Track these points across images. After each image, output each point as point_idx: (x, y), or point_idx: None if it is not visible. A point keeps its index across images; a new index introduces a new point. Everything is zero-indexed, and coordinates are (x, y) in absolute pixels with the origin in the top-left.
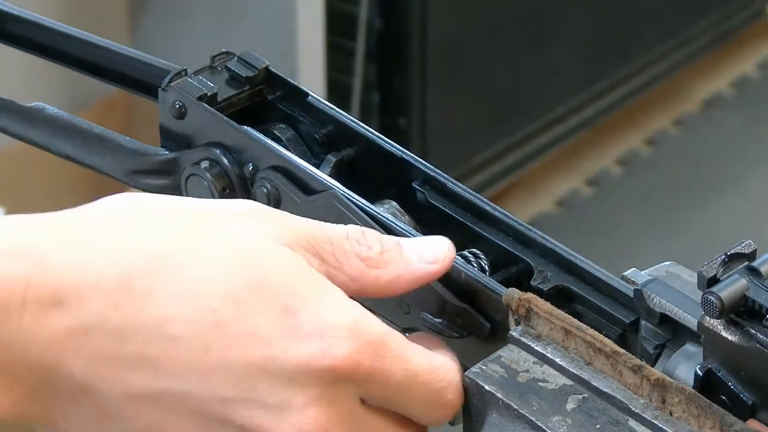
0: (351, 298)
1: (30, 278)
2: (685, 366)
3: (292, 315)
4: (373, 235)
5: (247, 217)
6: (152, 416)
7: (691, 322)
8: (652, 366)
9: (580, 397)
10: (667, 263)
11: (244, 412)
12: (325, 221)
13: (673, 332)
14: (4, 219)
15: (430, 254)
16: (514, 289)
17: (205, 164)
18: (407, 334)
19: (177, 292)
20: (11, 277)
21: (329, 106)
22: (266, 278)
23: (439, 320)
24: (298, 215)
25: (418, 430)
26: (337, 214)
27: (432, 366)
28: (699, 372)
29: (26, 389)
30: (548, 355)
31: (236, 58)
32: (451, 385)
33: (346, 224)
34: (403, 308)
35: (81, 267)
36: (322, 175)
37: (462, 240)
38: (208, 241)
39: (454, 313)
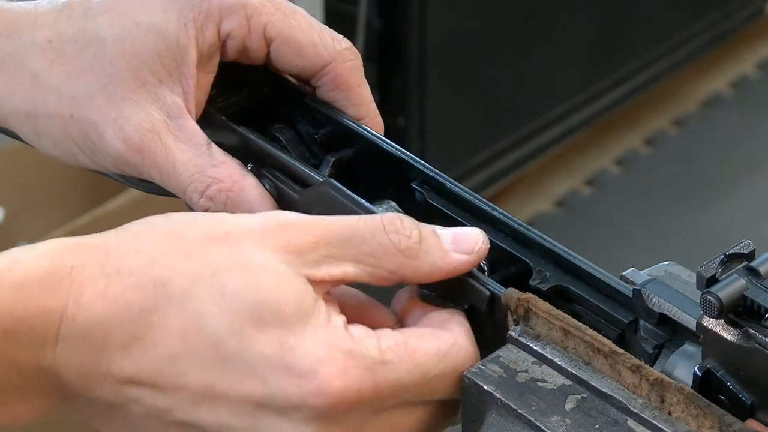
0: (397, 284)
1: (65, 312)
2: (683, 366)
3: (288, 352)
4: (410, 222)
5: (272, 236)
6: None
7: (690, 322)
8: (651, 366)
9: (579, 396)
10: (666, 263)
11: None
12: (324, 213)
13: (672, 332)
14: (47, 243)
15: (466, 245)
16: (513, 289)
17: None
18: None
19: (188, 327)
20: (48, 310)
21: (328, 107)
22: (269, 309)
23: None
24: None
25: (443, 406)
26: (333, 203)
27: (440, 353)
28: (698, 372)
29: (62, 400)
30: (547, 355)
31: None
32: (467, 360)
33: (342, 214)
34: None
35: (108, 304)
36: (322, 175)
37: None
38: (226, 270)
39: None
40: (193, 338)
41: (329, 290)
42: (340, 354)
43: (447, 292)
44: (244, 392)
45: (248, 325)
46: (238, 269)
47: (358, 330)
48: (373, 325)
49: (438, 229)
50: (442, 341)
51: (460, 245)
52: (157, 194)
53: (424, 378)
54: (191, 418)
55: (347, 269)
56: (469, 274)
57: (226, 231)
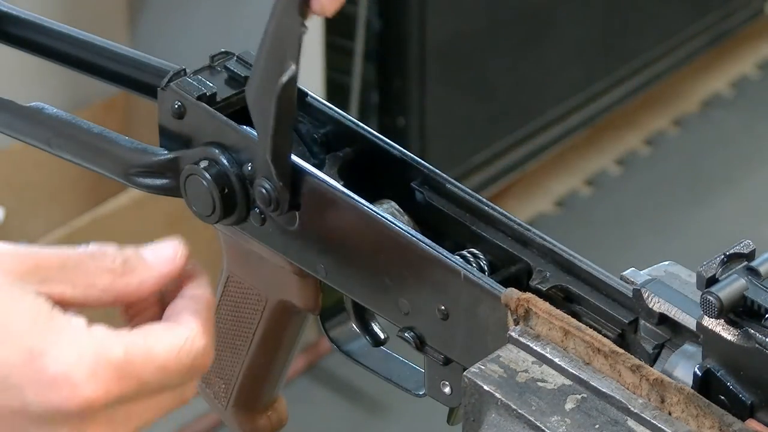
0: (113, 305)
1: None
2: (684, 366)
3: (38, 358)
4: (112, 249)
5: None
6: None
7: (690, 322)
8: (651, 366)
9: (579, 396)
10: (666, 263)
11: None
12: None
13: (672, 332)
14: None
15: (165, 255)
16: (513, 289)
17: (204, 164)
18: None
19: None
20: None
21: (328, 106)
22: (9, 322)
23: None
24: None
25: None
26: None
27: (175, 346)
28: (698, 372)
29: None
30: (547, 355)
31: (235, 57)
32: (201, 350)
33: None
34: (402, 309)
35: None
36: (321, 175)
37: (461, 240)
38: None
39: None
40: None
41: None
42: (89, 357)
43: None
44: (6, 405)
45: None
46: None
47: (100, 330)
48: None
49: (140, 248)
50: (177, 336)
51: (160, 257)
52: (158, 194)
53: (163, 373)
54: None
55: (65, 290)
56: None
57: None
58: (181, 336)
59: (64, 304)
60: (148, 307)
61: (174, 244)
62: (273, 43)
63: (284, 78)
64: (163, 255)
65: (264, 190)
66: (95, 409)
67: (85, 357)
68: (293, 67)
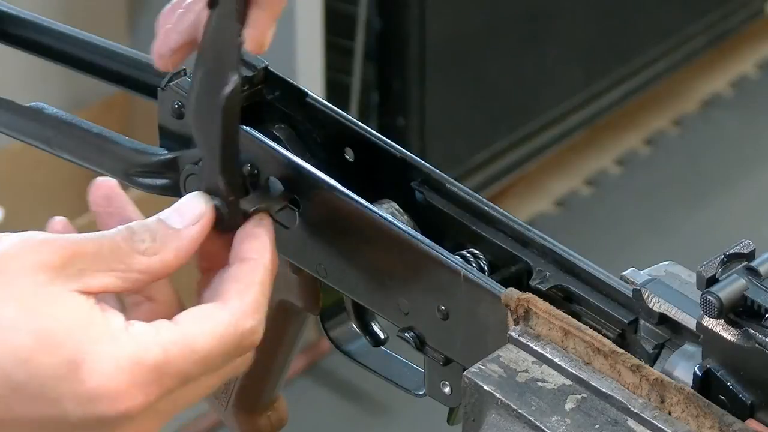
0: (157, 280)
1: None
2: (684, 366)
3: (76, 370)
4: (139, 227)
5: (30, 254)
6: None
7: (690, 322)
8: (651, 366)
9: (579, 396)
10: (666, 263)
11: None
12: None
13: (672, 332)
14: None
15: (190, 215)
16: (513, 289)
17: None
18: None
19: None
20: None
21: (328, 106)
22: (49, 329)
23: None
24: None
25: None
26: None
27: (216, 335)
28: (698, 372)
29: None
30: (547, 354)
31: None
32: (248, 331)
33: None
34: (402, 309)
35: None
36: (321, 175)
37: (461, 240)
38: None
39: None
40: None
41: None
42: (127, 365)
43: None
44: (43, 415)
45: (33, 351)
46: (10, 300)
47: (139, 330)
48: (155, 301)
49: (161, 214)
50: (218, 323)
51: (186, 217)
52: (158, 194)
53: (206, 364)
54: None
55: (104, 281)
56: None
57: None
58: (223, 322)
59: (104, 292)
60: (217, 253)
61: (196, 198)
62: (211, 55)
63: (227, 90)
64: (189, 215)
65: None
66: (136, 414)
67: (124, 366)
68: (235, 77)
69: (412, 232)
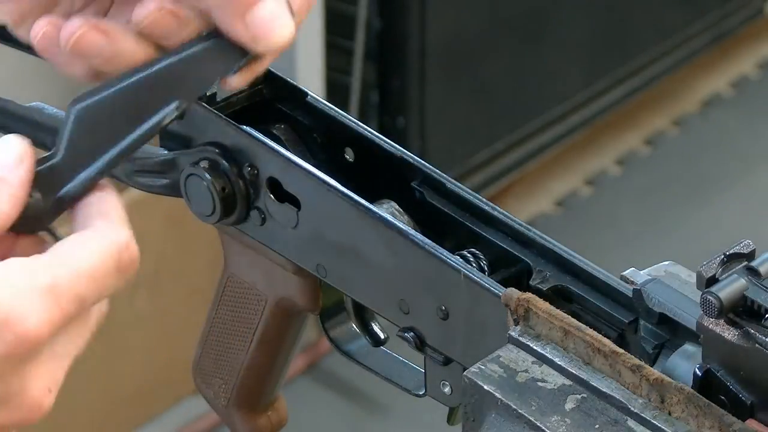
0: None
1: None
2: (684, 366)
3: None
4: None
5: None
6: None
7: (690, 321)
8: (651, 366)
9: (579, 396)
10: (666, 263)
11: None
12: None
13: (672, 332)
14: None
15: (11, 160)
16: (513, 289)
17: (204, 164)
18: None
19: None
20: None
21: (328, 106)
22: None
23: None
24: None
25: None
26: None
27: (100, 254)
28: (698, 372)
29: None
30: (547, 354)
31: None
32: (120, 248)
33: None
34: (402, 309)
35: None
36: (321, 175)
37: (461, 240)
38: None
39: None
40: None
41: None
42: (22, 288)
43: None
44: None
45: None
46: None
47: (18, 260)
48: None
49: None
50: (92, 241)
51: (9, 163)
52: (158, 194)
53: (95, 281)
54: None
55: None
56: None
57: None
58: (96, 239)
59: None
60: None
61: (9, 141)
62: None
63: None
64: (10, 160)
65: None
66: (42, 343)
67: (21, 290)
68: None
69: (412, 232)
